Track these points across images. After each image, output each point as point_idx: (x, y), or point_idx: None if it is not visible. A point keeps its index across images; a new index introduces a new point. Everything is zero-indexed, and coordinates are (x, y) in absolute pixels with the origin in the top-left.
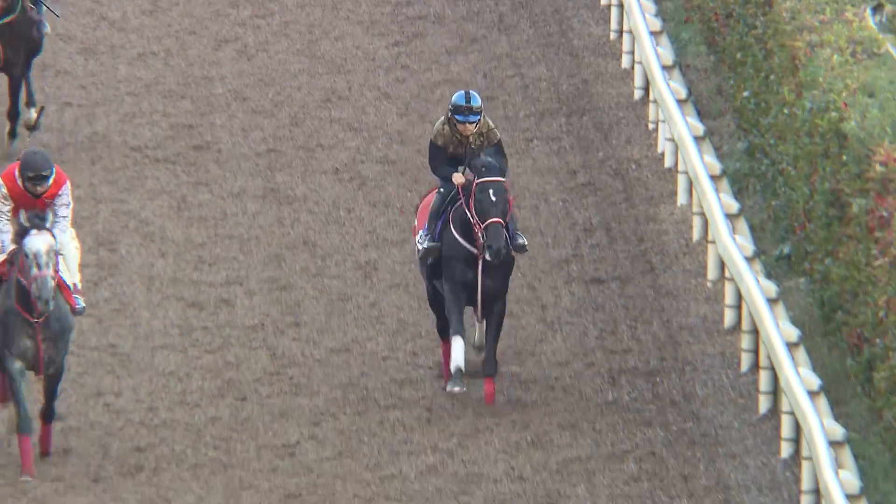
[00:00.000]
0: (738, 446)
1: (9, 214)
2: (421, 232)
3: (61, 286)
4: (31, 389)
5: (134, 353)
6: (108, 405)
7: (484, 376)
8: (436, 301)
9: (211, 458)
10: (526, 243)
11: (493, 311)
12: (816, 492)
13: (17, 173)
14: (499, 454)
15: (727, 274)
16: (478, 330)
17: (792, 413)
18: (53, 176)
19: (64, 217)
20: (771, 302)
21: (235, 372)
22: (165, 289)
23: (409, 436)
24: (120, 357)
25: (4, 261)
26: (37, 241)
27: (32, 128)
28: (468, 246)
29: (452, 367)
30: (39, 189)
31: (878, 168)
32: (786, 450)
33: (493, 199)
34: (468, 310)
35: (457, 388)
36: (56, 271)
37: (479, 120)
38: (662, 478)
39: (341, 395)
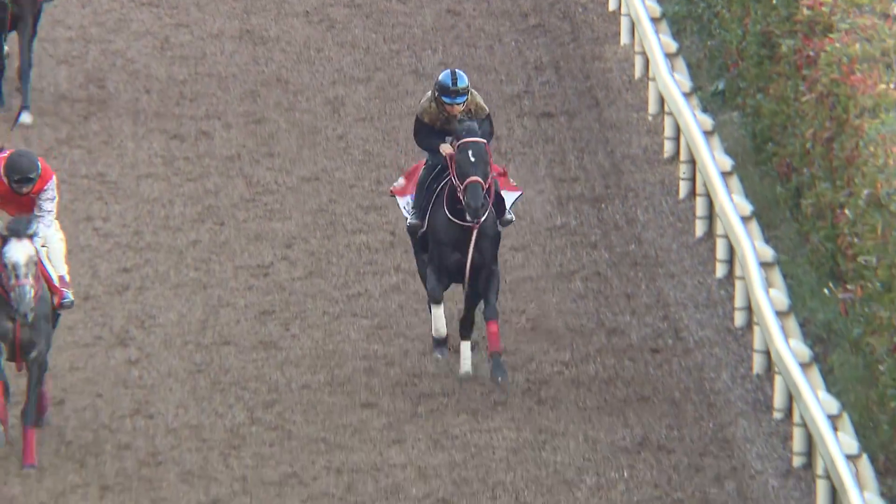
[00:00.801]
0: (676, 267)
1: None
2: (408, 198)
3: (47, 280)
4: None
5: (121, 181)
6: (97, 229)
7: (486, 320)
8: (425, 273)
9: (192, 278)
10: (513, 219)
11: (483, 278)
12: (748, 309)
13: (2, 172)
14: None
15: (666, 108)
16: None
17: (726, 236)
18: (39, 174)
19: (49, 211)
20: (707, 134)
21: (214, 199)
22: (150, 122)
23: (374, 257)
24: (108, 185)
25: None
26: (16, 251)
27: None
28: (462, 222)
29: (435, 335)
30: (25, 189)
31: (806, 11)
32: (720, 270)
33: (472, 159)
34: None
35: (439, 356)
36: (37, 278)
37: (465, 100)
38: (607, 296)
39: (311, 220)
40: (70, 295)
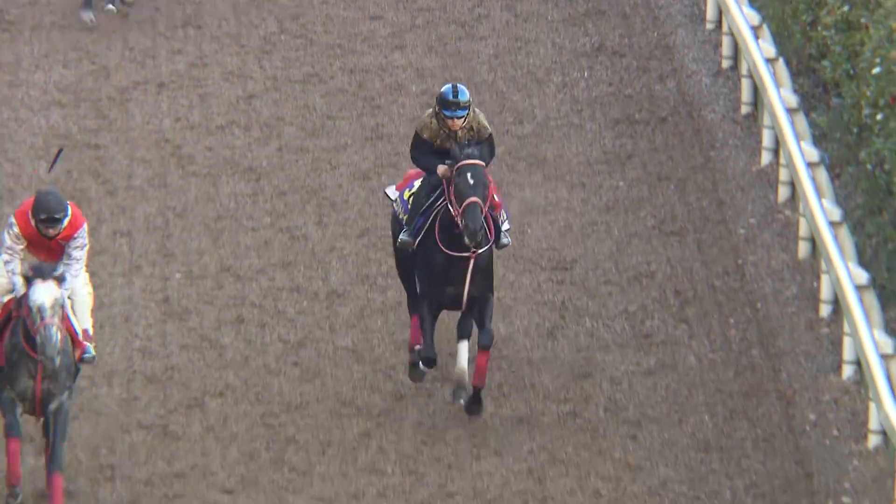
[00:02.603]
0: None
1: (21, 254)
2: (398, 195)
3: (71, 333)
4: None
5: None
6: None
7: (479, 348)
8: (406, 277)
9: None
10: (509, 243)
11: (478, 308)
12: None
13: (30, 214)
14: None
15: None
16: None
17: None
18: (68, 218)
19: (77, 259)
20: None
21: None
22: None
23: None
24: None
25: (12, 300)
26: (41, 293)
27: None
28: (457, 253)
29: (419, 361)
30: (52, 232)
31: None
32: None
33: (471, 181)
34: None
35: (460, 400)
36: (63, 320)
37: (466, 114)
38: None
39: None
40: (91, 349)
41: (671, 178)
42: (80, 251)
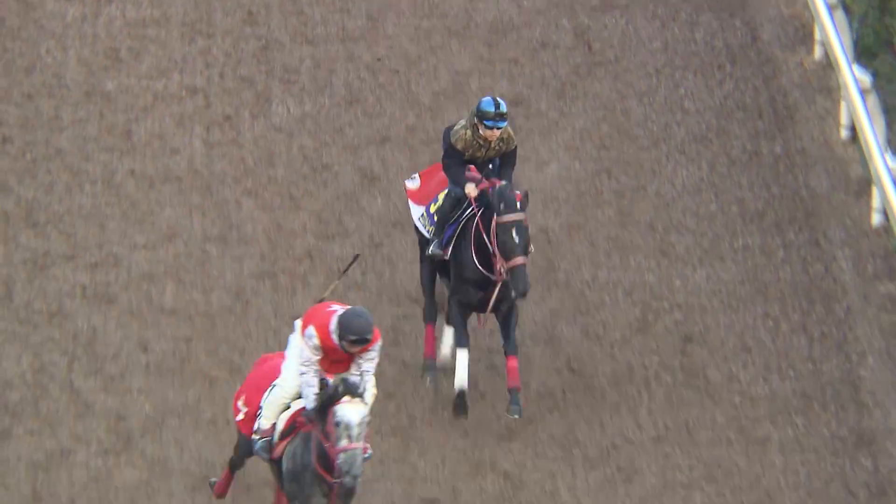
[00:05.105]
0: None
1: (317, 366)
2: (422, 210)
3: None
4: None
5: None
6: None
7: (507, 355)
8: (428, 286)
9: None
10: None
11: (504, 312)
12: None
13: (333, 328)
14: None
15: None
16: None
17: None
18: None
19: (369, 371)
20: None
21: None
22: None
23: None
24: None
25: (300, 410)
26: (350, 412)
27: None
28: (488, 273)
29: (458, 386)
30: (355, 350)
31: None
32: None
33: (516, 238)
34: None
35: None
36: (366, 441)
37: (506, 125)
38: None
39: None
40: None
41: None
42: (371, 363)
